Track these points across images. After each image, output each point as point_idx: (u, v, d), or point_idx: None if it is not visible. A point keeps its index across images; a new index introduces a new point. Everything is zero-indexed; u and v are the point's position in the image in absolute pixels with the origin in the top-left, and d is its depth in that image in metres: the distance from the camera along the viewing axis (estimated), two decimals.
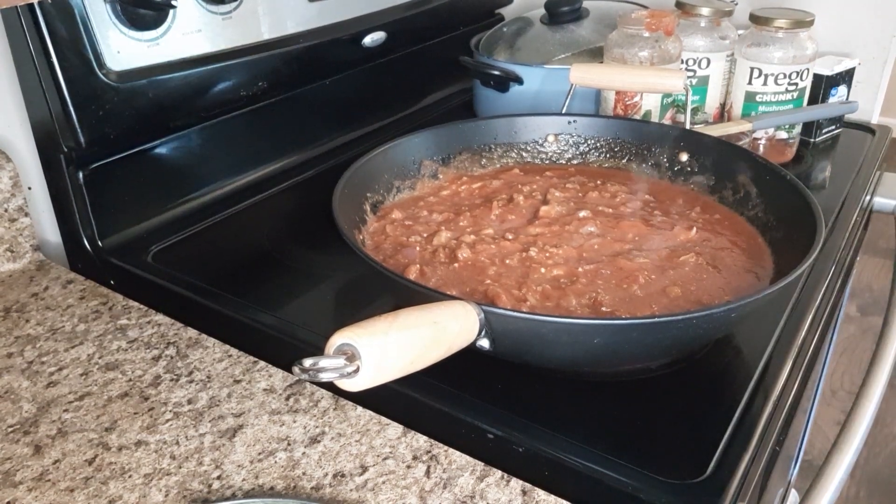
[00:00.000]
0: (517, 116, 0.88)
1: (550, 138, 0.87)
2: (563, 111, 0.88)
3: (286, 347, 0.64)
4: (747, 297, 0.55)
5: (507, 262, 0.67)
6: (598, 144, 0.87)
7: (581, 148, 0.87)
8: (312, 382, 0.41)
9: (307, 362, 0.40)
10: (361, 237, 0.72)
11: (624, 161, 0.86)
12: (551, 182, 0.82)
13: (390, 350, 0.42)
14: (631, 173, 0.85)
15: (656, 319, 0.56)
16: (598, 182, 0.82)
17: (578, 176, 0.84)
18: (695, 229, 0.72)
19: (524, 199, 0.79)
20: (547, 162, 0.87)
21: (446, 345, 0.47)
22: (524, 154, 0.87)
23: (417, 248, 0.70)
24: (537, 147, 0.87)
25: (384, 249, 0.71)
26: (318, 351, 0.43)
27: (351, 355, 0.41)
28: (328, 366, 0.41)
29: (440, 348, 0.46)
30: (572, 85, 0.88)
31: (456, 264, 0.67)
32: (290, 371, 0.62)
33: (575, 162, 0.87)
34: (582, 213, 0.75)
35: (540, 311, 0.61)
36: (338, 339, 0.42)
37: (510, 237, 0.71)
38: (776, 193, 0.72)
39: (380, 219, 0.76)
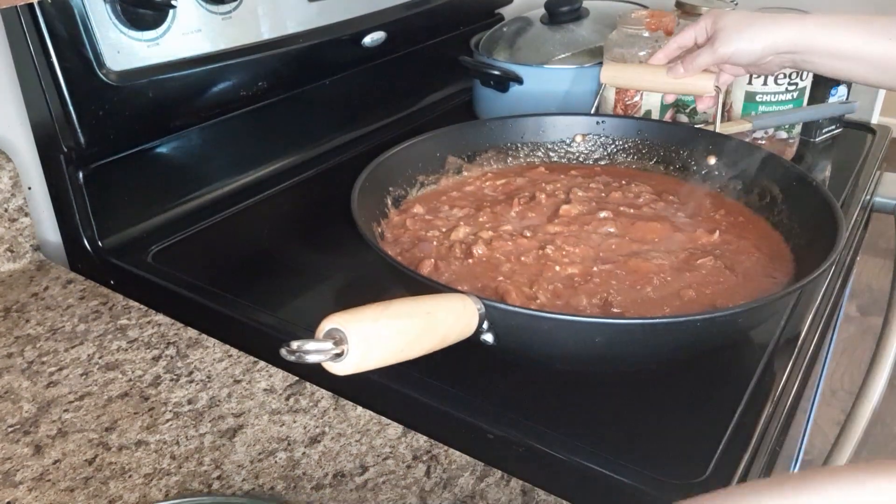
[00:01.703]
0: (545, 116, 0.87)
1: (578, 138, 0.87)
2: (593, 111, 0.88)
3: None
4: (753, 303, 0.54)
5: (523, 259, 0.67)
6: (627, 145, 0.86)
7: (609, 149, 0.87)
8: (299, 364, 0.42)
9: (294, 344, 0.41)
10: (380, 230, 0.72)
11: (652, 163, 0.85)
12: (575, 181, 0.82)
13: (379, 337, 0.43)
14: (657, 174, 0.84)
15: (657, 321, 0.56)
16: (623, 182, 0.81)
17: (603, 176, 0.83)
18: (718, 232, 0.72)
19: (546, 197, 0.78)
20: (574, 162, 0.87)
21: (440, 336, 0.47)
22: (551, 154, 0.87)
23: (434, 243, 0.70)
24: (565, 147, 0.87)
25: (402, 243, 0.71)
26: None
27: (339, 339, 0.42)
28: (314, 348, 0.42)
29: (433, 339, 0.47)
30: (602, 84, 0.88)
31: (471, 260, 0.67)
32: (290, 371, 0.62)
33: (603, 162, 0.87)
34: (603, 214, 0.75)
35: (549, 308, 0.61)
36: (327, 325, 0.43)
37: (528, 234, 0.71)
38: (802, 199, 0.71)
39: (401, 212, 0.76)
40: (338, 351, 0.42)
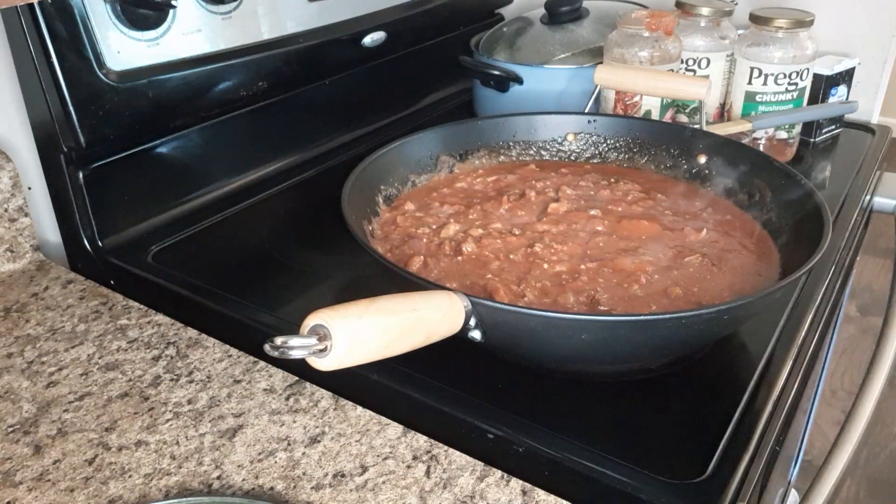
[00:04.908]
0: (537, 115, 0.87)
1: (570, 137, 0.87)
2: (586, 110, 0.88)
3: None
4: (738, 300, 0.54)
5: (511, 257, 0.68)
6: (618, 144, 0.86)
7: (601, 147, 0.87)
8: (283, 360, 0.42)
9: (278, 339, 0.41)
10: (371, 228, 0.72)
11: (643, 161, 0.85)
12: (565, 179, 0.82)
13: (363, 333, 0.44)
14: (648, 173, 0.85)
15: (642, 317, 0.56)
16: (612, 180, 0.82)
17: (593, 174, 0.84)
18: (705, 230, 0.72)
19: (536, 194, 0.78)
20: (566, 160, 0.87)
21: (425, 332, 0.48)
22: (543, 153, 0.87)
23: (424, 240, 0.70)
24: (556, 145, 0.87)
25: (392, 240, 0.71)
26: None
27: (323, 335, 0.43)
28: (298, 344, 0.42)
29: (418, 335, 0.47)
30: (597, 86, 0.88)
31: (460, 257, 0.67)
32: (290, 371, 0.62)
33: (594, 161, 0.87)
34: (592, 212, 0.75)
35: (536, 306, 0.61)
36: (312, 321, 0.43)
37: (517, 232, 0.71)
38: (789, 197, 0.71)
39: (392, 210, 0.76)
40: (321, 347, 0.42)
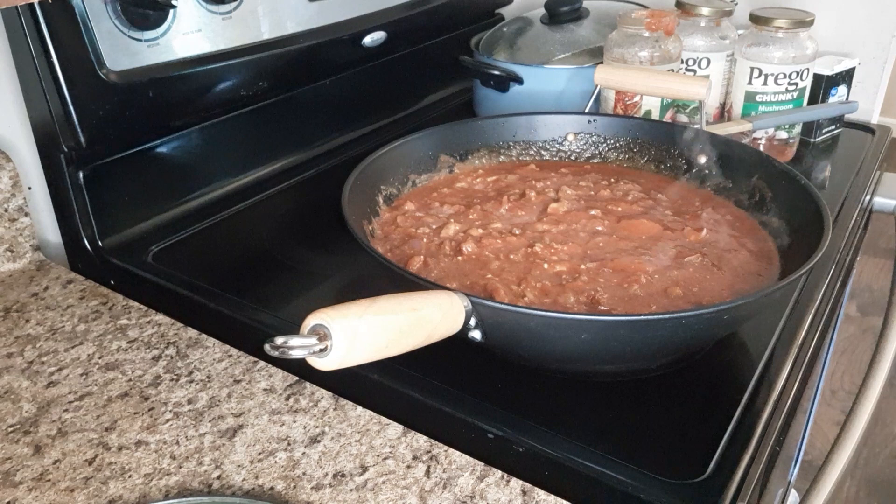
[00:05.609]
0: (537, 115, 0.87)
1: (570, 137, 0.87)
2: (586, 110, 0.88)
3: None
4: (738, 300, 0.55)
5: (511, 257, 0.68)
6: (618, 144, 0.86)
7: (601, 147, 0.87)
8: (283, 360, 0.43)
9: (279, 340, 0.42)
10: (371, 228, 0.72)
11: (643, 161, 0.86)
12: (565, 179, 0.82)
13: (363, 333, 0.44)
14: (648, 173, 0.85)
15: (642, 317, 0.56)
16: (612, 180, 0.82)
17: (593, 174, 0.84)
18: (705, 230, 0.72)
19: (536, 195, 0.79)
20: (566, 160, 0.87)
21: (425, 332, 0.48)
22: (543, 152, 0.87)
23: (424, 240, 0.70)
24: (556, 145, 0.87)
25: (392, 240, 0.71)
26: None
27: (323, 335, 0.43)
28: (298, 344, 0.42)
29: (418, 335, 0.47)
30: (597, 86, 0.88)
31: (460, 257, 0.67)
32: (290, 371, 0.62)
33: (594, 161, 0.87)
34: (592, 212, 0.75)
35: (536, 306, 0.61)
36: (312, 320, 0.43)
37: (517, 232, 0.72)
38: (789, 198, 0.71)
39: (392, 210, 0.76)
40: (322, 346, 0.42)
